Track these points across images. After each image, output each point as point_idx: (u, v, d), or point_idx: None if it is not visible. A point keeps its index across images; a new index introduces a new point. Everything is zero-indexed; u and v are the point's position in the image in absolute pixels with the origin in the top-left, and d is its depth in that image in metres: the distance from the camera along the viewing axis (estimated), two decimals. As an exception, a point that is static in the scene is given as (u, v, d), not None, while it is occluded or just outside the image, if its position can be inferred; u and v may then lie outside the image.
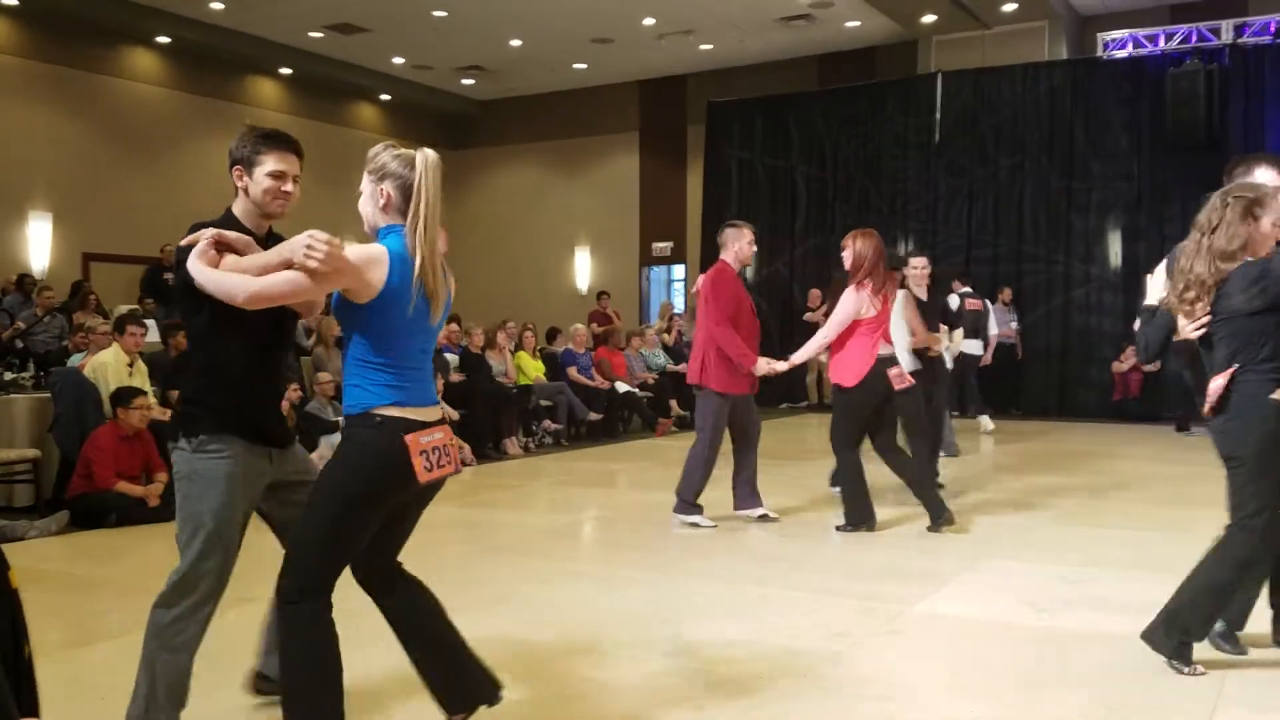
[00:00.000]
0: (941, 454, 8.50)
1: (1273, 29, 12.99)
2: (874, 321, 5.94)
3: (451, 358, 10.29)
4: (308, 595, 2.65)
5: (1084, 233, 13.98)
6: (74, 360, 8.03)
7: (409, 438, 2.63)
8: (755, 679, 3.51)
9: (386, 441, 2.63)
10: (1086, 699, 3.33)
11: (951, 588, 4.80)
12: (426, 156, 2.71)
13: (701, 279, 6.34)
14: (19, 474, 7.05)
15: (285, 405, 7.47)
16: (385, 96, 18.43)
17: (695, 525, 6.20)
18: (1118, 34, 13.93)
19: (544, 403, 10.81)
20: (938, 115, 14.79)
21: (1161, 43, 13.56)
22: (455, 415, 9.14)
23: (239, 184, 2.99)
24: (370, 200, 2.79)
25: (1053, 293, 13.95)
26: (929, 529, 5.98)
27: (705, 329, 6.22)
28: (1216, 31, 13.22)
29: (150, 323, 8.41)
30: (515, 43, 16.03)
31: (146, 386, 7.11)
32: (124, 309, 9.36)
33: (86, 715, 3.24)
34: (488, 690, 2.90)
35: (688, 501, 6.26)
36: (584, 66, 17.42)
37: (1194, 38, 13.33)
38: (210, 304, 2.74)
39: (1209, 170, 13.38)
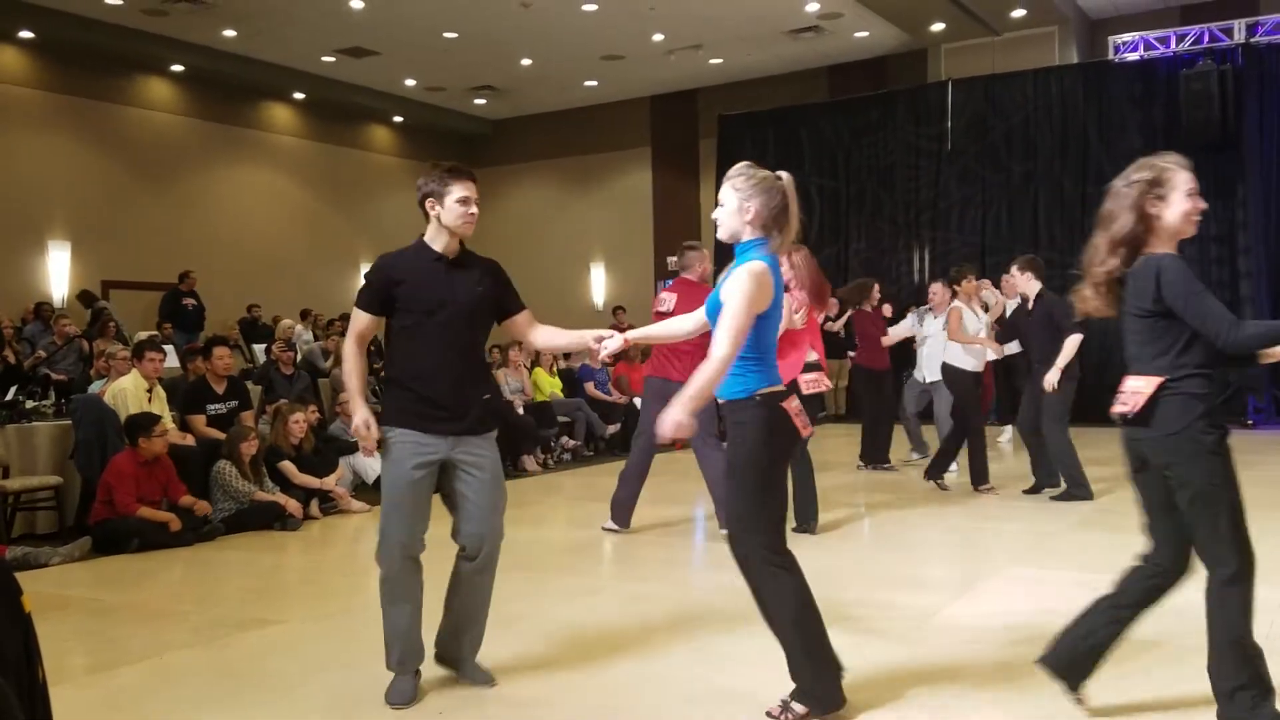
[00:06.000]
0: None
1: (1285, 27, 12.93)
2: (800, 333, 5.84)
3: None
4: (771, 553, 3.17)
5: (1099, 237, 13.89)
6: (94, 387, 8.09)
7: (785, 404, 3.18)
8: (777, 693, 3.49)
9: (772, 413, 3.14)
10: (1116, 705, 3.29)
11: (973, 595, 4.77)
12: (789, 179, 3.21)
13: None
14: (41, 501, 7.10)
15: (304, 426, 7.53)
16: (398, 118, 18.56)
17: None
18: (1128, 37, 13.89)
19: (562, 419, 10.80)
20: (949, 123, 14.78)
21: (1173, 44, 13.51)
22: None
23: (432, 213, 3.48)
24: (736, 215, 3.20)
25: (1068, 297, 13.87)
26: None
27: None
28: (1228, 31, 13.16)
29: (169, 348, 8.46)
30: (526, 62, 16.12)
31: (165, 412, 7.16)
32: (143, 335, 9.43)
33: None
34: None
35: None
36: (595, 84, 17.49)
37: (1206, 38, 13.28)
38: None
39: (1225, 171, 13.41)
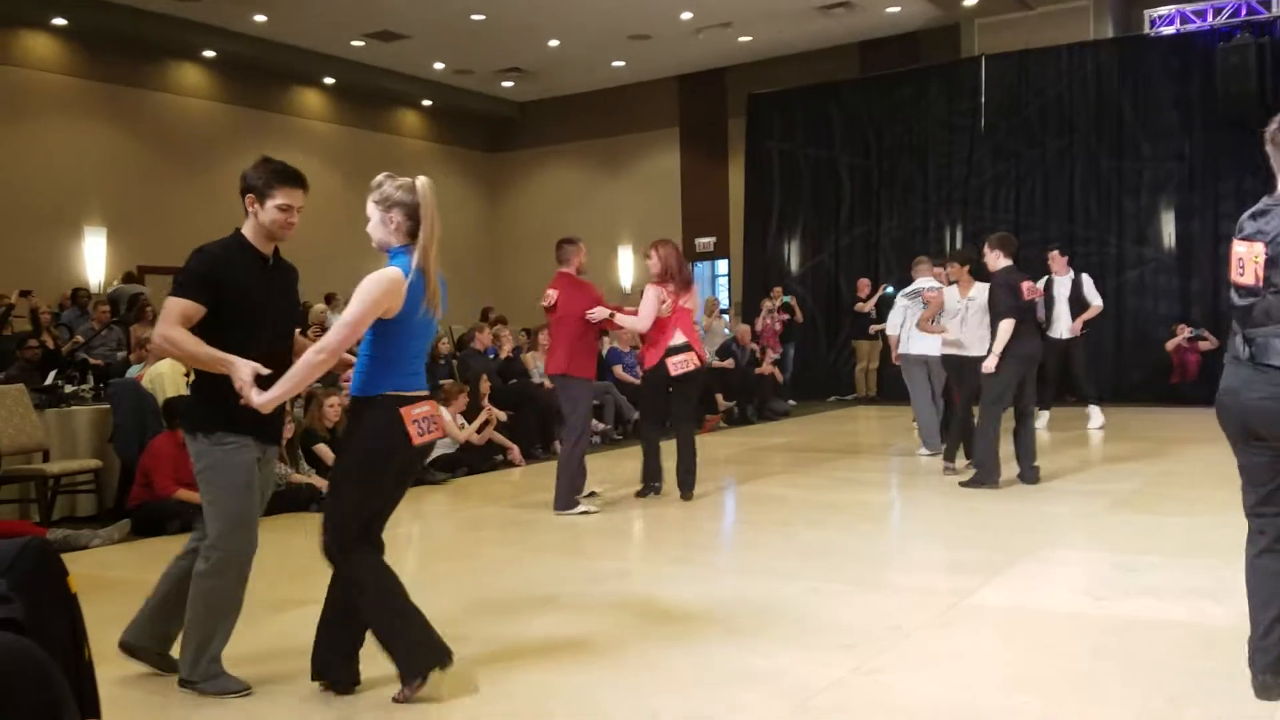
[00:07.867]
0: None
1: (1326, -2, 12.66)
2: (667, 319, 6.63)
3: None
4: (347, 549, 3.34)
5: (1135, 214, 13.73)
6: (132, 371, 8.19)
7: (403, 410, 3.21)
8: (807, 674, 3.50)
9: (387, 415, 3.20)
10: (1146, 689, 3.27)
11: (1007, 578, 4.74)
12: (425, 183, 3.25)
13: None
14: (81, 484, 7.21)
15: (338, 409, 7.58)
16: (427, 102, 18.59)
17: None
18: (1164, 10, 13.65)
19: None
20: (983, 99, 14.60)
21: (1210, 17, 13.27)
22: (503, 416, 9.20)
23: (250, 209, 3.38)
24: (381, 226, 3.31)
25: (1104, 275, 13.65)
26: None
27: None
28: (1266, 4, 12.90)
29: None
30: (553, 43, 16.08)
31: (201, 395, 7.23)
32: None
33: (148, 717, 3.31)
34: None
35: None
36: (622, 64, 17.43)
37: (1243, 11, 13.02)
38: None
39: (1263, 146, 13.13)
